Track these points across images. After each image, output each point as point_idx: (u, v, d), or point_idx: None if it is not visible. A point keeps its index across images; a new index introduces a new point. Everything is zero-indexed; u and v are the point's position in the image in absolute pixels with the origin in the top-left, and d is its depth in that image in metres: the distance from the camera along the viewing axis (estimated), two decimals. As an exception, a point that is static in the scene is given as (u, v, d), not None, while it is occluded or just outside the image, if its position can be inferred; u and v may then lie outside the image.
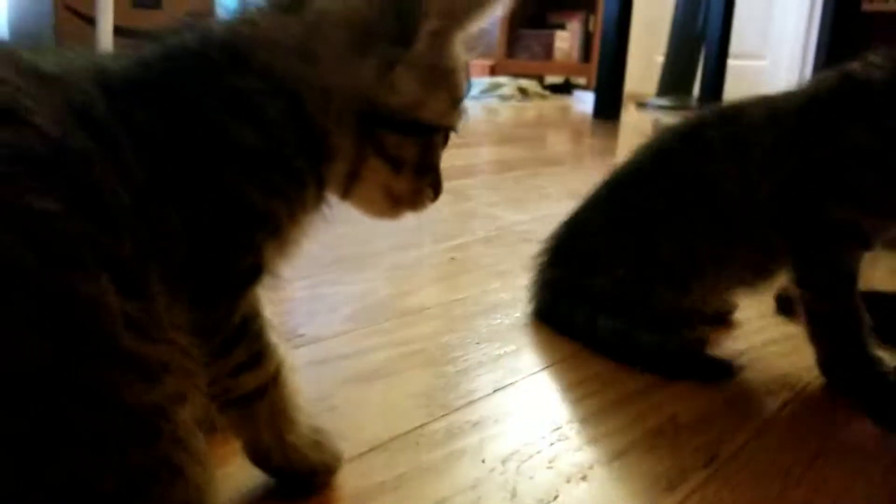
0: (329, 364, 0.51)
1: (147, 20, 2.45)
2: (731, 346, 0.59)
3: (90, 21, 2.08)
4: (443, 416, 0.44)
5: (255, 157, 0.30)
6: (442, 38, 0.33)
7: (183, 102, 0.29)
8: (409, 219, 0.91)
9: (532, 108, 3.01)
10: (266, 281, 0.33)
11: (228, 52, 0.31)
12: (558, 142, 2.03)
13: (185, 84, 0.30)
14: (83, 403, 0.24)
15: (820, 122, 0.53)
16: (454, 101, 0.36)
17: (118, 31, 1.95)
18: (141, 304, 0.26)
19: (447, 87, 0.35)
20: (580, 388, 0.49)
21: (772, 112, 0.55)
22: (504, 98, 3.33)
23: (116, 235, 0.26)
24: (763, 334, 0.62)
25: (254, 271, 0.32)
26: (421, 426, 0.42)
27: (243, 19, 0.32)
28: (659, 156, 0.61)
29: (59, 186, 0.24)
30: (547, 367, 0.52)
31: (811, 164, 0.52)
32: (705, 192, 0.56)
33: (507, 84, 3.44)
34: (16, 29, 2.54)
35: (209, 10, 2.78)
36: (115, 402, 0.24)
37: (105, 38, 1.92)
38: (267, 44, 0.31)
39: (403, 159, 0.34)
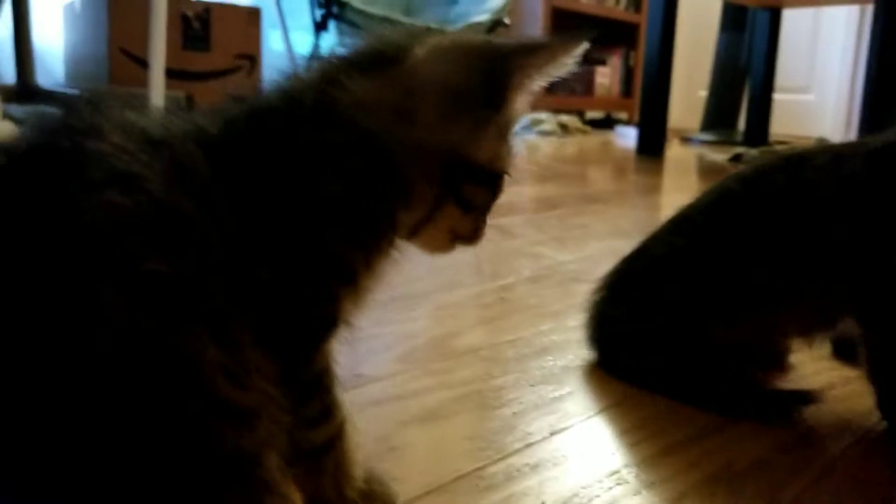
0: (386, 405, 0.52)
1: (197, 62, 2.55)
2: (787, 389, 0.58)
3: (143, 63, 2.19)
4: (500, 458, 0.45)
5: (341, 211, 0.32)
6: (517, 96, 0.36)
7: (274, 164, 0.31)
8: (456, 258, 0.92)
9: (573, 144, 3.03)
10: (341, 331, 0.34)
11: (320, 114, 0.33)
12: (601, 178, 2.03)
13: (277, 146, 0.32)
14: (188, 452, 0.25)
15: (886, 166, 0.53)
16: (511, 147, 0.38)
17: (169, 72, 2.05)
18: (234, 355, 0.27)
19: (509, 137, 0.37)
20: (636, 432, 0.49)
21: (837, 157, 0.56)
22: (544, 134, 3.35)
23: (215, 292, 0.28)
24: (820, 377, 0.61)
25: (331, 321, 0.33)
26: (480, 468, 0.43)
27: (328, 80, 0.34)
28: (722, 196, 0.62)
29: (168, 248, 0.26)
30: (602, 410, 0.53)
31: (877, 204, 0.52)
32: (768, 233, 0.56)
33: (548, 120, 3.46)
34: (72, 71, 2.68)
35: (257, 54, 2.87)
36: (215, 450, 0.26)
37: (157, 79, 2.01)
38: (362, 107, 0.33)
39: (475, 204, 0.37)
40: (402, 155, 0.34)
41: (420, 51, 0.34)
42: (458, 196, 0.36)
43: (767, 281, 0.56)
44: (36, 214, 0.26)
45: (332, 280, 0.33)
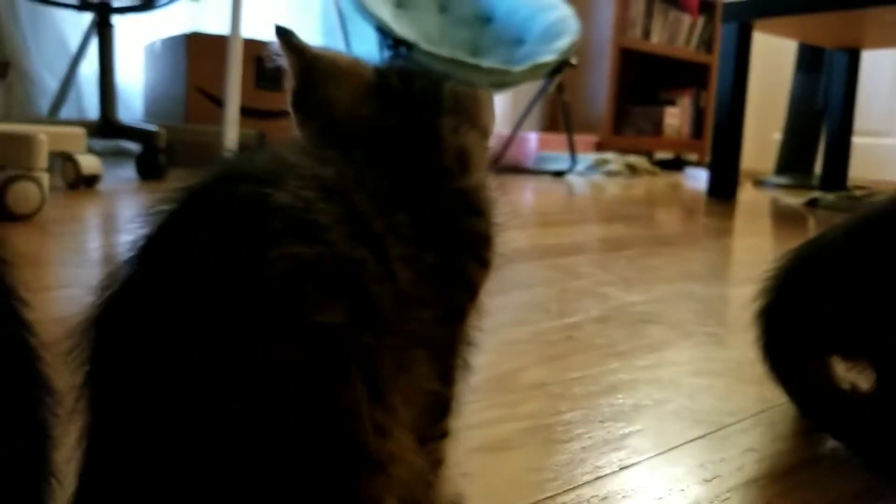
0: (458, 433, 0.54)
1: (269, 101, 2.68)
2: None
3: (217, 102, 2.32)
4: (570, 489, 0.46)
5: (482, 241, 0.36)
6: None
7: (431, 212, 0.34)
8: (523, 296, 0.95)
9: (641, 185, 3.01)
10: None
11: (459, 156, 0.36)
12: (670, 220, 2.02)
13: (433, 195, 0.34)
14: (328, 500, 0.26)
15: None
16: None
17: (242, 110, 2.17)
18: (384, 406, 0.28)
19: None
20: (707, 470, 0.49)
21: None
22: (611, 174, 3.34)
23: (379, 345, 0.28)
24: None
25: (468, 340, 0.36)
26: (551, 497, 0.44)
27: (447, 126, 0.36)
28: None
29: (342, 300, 0.27)
30: (674, 447, 0.53)
31: None
32: None
33: (615, 160, 3.46)
34: (151, 108, 2.85)
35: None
36: (351, 499, 0.27)
37: (232, 117, 2.13)
38: (475, 148, 0.37)
39: None
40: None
41: (451, 95, 0.38)
42: None
43: None
44: (217, 260, 0.26)
45: (469, 301, 0.36)
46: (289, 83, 0.38)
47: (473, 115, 0.38)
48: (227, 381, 0.25)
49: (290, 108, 0.38)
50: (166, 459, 0.26)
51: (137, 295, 0.27)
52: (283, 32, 0.38)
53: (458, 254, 0.35)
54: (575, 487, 0.46)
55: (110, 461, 0.27)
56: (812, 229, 1.96)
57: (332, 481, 0.26)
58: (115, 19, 2.22)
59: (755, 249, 1.61)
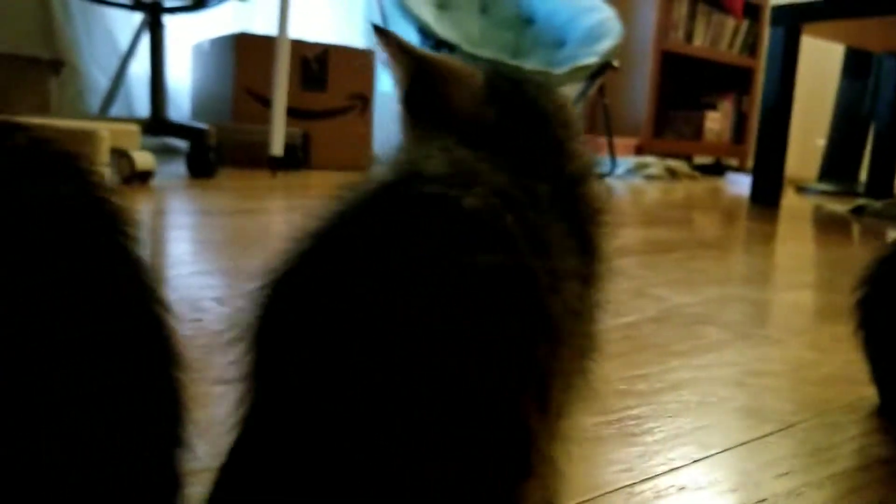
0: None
1: (314, 102, 2.73)
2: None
3: (264, 102, 2.36)
4: (647, 479, 0.47)
5: (599, 250, 0.37)
6: None
7: (564, 210, 0.33)
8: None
9: (682, 190, 2.99)
10: None
11: (578, 164, 0.37)
12: (714, 225, 2.01)
13: (561, 194, 0.34)
14: None
15: None
16: None
17: (288, 111, 2.21)
18: (547, 419, 0.29)
19: None
20: (781, 465, 0.50)
21: None
22: (651, 178, 3.32)
23: (552, 357, 0.28)
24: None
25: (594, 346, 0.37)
26: (629, 486, 0.46)
27: (566, 134, 0.38)
28: None
29: (526, 312, 0.27)
30: (745, 443, 0.54)
31: None
32: None
33: (655, 164, 3.44)
34: (198, 107, 2.91)
35: (369, 94, 3.01)
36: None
37: (279, 117, 2.17)
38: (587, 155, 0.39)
39: None
40: None
41: (556, 104, 0.39)
42: None
43: None
44: (407, 260, 0.26)
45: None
46: (399, 83, 0.39)
47: (573, 124, 0.39)
48: (413, 384, 0.25)
49: (401, 108, 0.39)
50: (327, 451, 0.26)
51: (317, 283, 0.27)
52: (383, 32, 0.39)
53: (580, 262, 0.34)
54: (651, 478, 0.47)
55: (268, 444, 0.27)
56: (857, 237, 1.93)
57: (492, 487, 0.27)
58: (166, 19, 2.28)
59: (801, 255, 1.59)
